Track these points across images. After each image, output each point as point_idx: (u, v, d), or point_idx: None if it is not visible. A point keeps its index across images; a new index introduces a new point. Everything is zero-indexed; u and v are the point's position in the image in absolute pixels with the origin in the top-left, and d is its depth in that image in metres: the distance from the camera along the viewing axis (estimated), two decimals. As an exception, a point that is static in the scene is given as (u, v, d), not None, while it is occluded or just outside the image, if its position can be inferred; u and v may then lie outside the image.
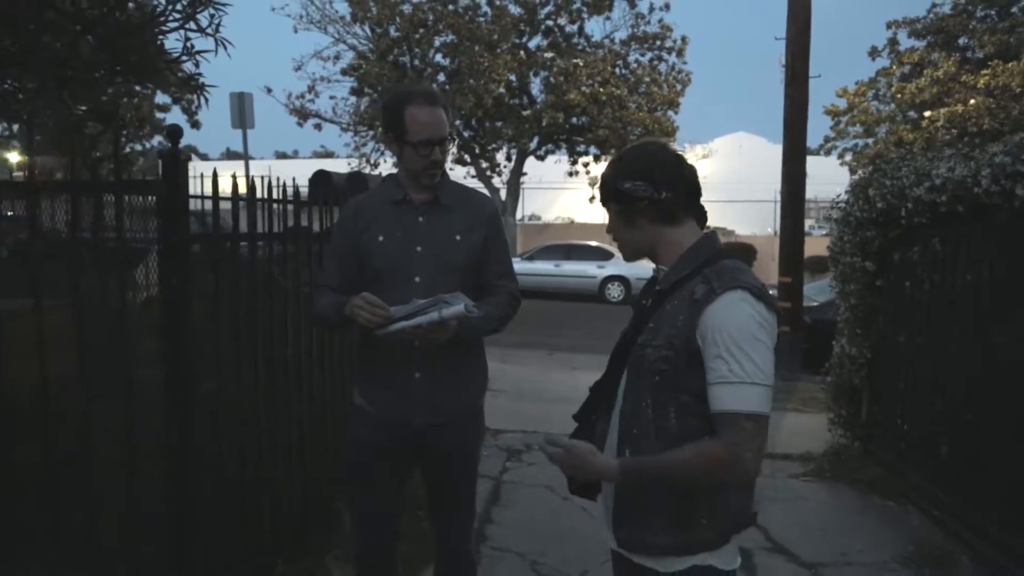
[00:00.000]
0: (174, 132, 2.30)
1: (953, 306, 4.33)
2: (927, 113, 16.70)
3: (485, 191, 21.91)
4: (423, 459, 2.45)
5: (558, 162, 24.00)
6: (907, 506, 4.63)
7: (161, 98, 19.10)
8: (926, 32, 18.05)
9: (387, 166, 18.16)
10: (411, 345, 2.21)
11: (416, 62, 20.15)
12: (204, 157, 53.48)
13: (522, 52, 20.62)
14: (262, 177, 2.97)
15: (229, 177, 2.72)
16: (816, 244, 13.60)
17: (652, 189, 1.66)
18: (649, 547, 1.69)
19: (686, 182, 1.70)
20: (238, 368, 2.69)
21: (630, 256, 1.82)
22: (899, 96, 17.88)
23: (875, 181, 5.11)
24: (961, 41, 17.82)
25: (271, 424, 2.96)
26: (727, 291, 1.57)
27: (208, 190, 2.52)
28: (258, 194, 2.82)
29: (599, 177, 1.81)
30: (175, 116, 21.19)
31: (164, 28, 5.90)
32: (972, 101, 15.82)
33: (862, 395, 5.50)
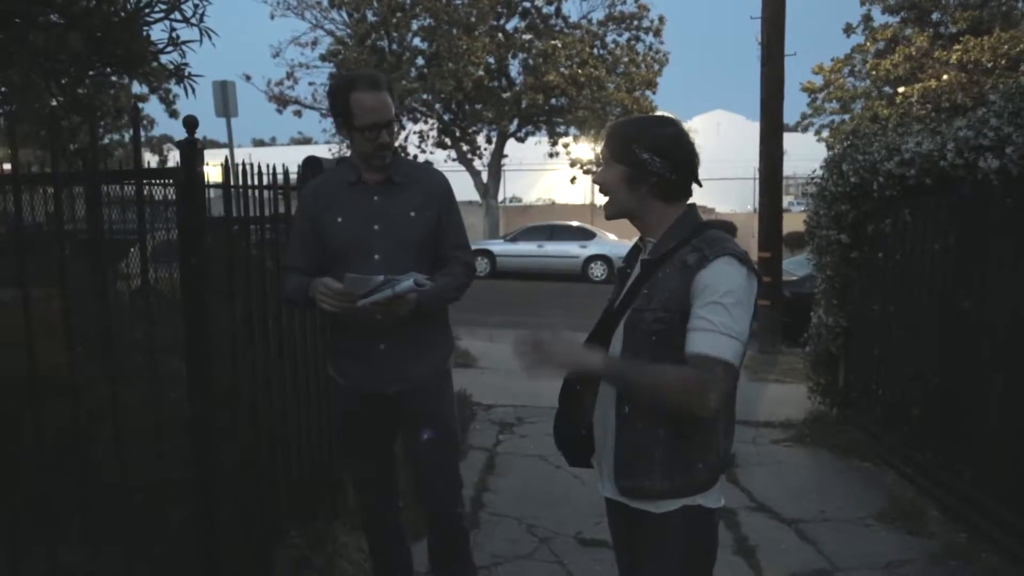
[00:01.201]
0: (190, 123, 2.43)
1: (922, 275, 4.55)
2: (901, 89, 16.93)
3: (466, 174, 22.01)
4: (400, 425, 2.60)
5: (538, 143, 24.12)
6: (882, 467, 4.88)
7: (138, 88, 18.93)
8: (899, 8, 18.24)
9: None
10: (375, 319, 2.34)
11: (394, 46, 20.15)
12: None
13: (500, 34, 20.66)
14: (252, 164, 3.09)
15: (217, 166, 2.83)
16: (795, 220, 13.85)
17: (667, 168, 1.78)
18: (649, 492, 1.83)
19: (694, 169, 1.84)
20: (251, 343, 2.85)
21: (612, 214, 1.92)
22: (874, 72, 18.09)
23: (848, 156, 5.31)
24: (934, 17, 18.03)
25: (281, 397, 3.12)
26: (718, 257, 1.73)
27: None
28: (261, 181, 2.98)
29: (612, 130, 1.87)
30: (153, 106, 21.05)
31: (149, 19, 5.96)
32: (945, 76, 16.06)
33: (839, 363, 5.73)
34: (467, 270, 2.60)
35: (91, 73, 6.25)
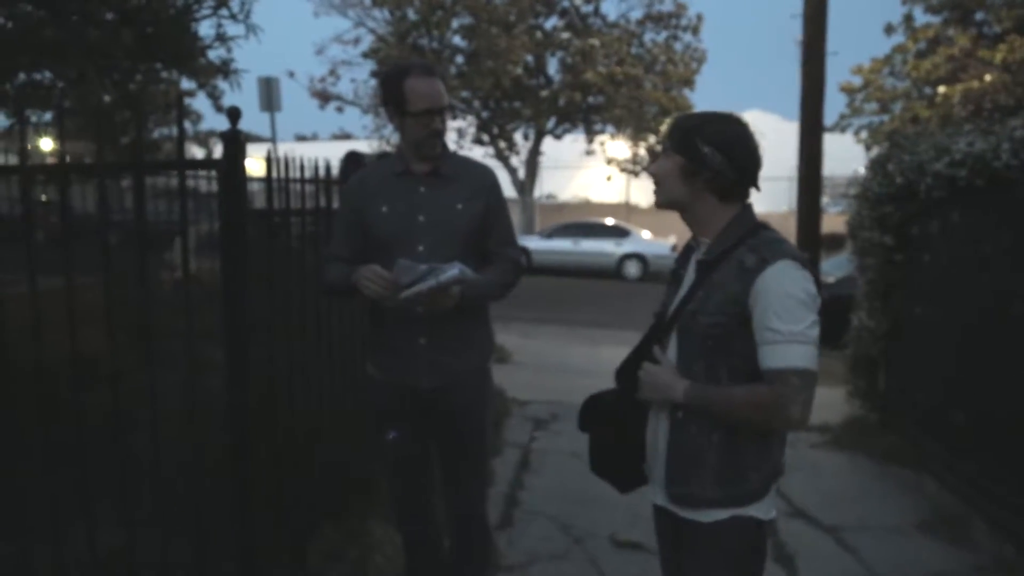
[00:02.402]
0: (233, 113, 2.45)
1: (970, 278, 4.42)
2: (941, 89, 16.53)
3: (503, 171, 22.01)
4: (433, 422, 2.55)
5: (575, 141, 24.02)
6: (923, 474, 4.76)
7: (186, 84, 19.21)
8: (941, 8, 17.80)
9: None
10: (416, 312, 2.32)
11: (434, 44, 20.21)
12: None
13: (539, 33, 20.63)
14: (295, 159, 3.11)
15: (260, 160, 2.86)
16: (831, 221, 13.61)
17: (727, 166, 1.74)
18: (700, 500, 1.80)
19: (755, 171, 1.80)
20: (289, 337, 2.86)
21: (663, 203, 1.87)
22: (914, 73, 17.69)
23: (894, 156, 5.19)
24: (977, 16, 17.57)
25: (318, 389, 3.13)
26: (777, 260, 1.69)
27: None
28: (303, 175, 3.00)
29: (675, 121, 1.85)
30: (201, 101, 21.42)
31: (197, 16, 6.05)
32: (988, 77, 15.65)
33: (879, 367, 5.62)
34: (515, 267, 2.56)
35: (142, 68, 6.38)
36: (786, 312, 1.65)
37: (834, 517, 4.15)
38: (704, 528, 1.80)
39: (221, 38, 6.06)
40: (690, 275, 1.88)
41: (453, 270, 2.16)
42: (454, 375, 2.48)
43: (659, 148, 1.92)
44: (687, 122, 1.82)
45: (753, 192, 1.86)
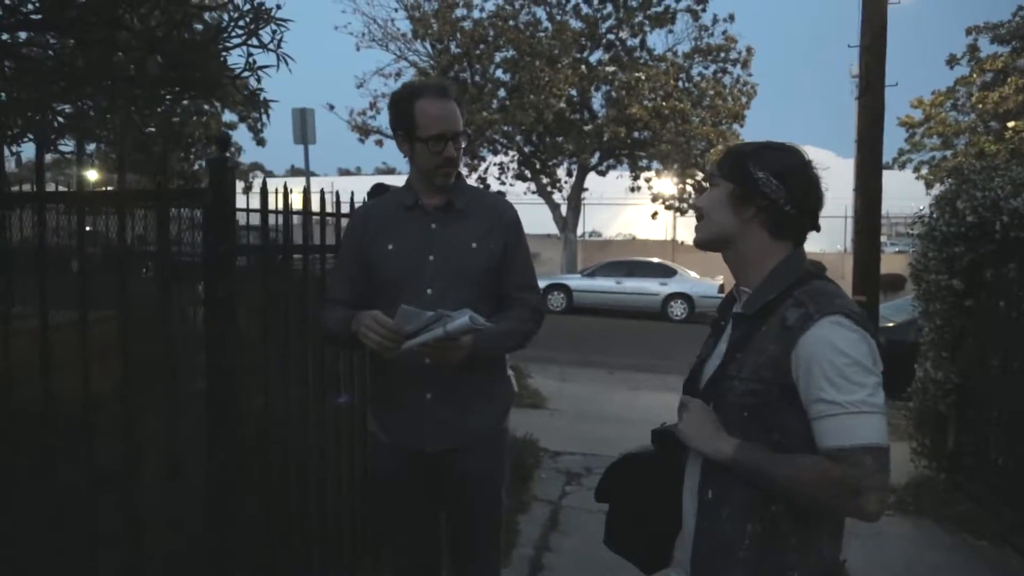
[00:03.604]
0: (222, 140, 2.21)
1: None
2: (1011, 124, 15.89)
3: (546, 207, 21.80)
4: (443, 489, 2.26)
5: (619, 177, 23.73)
6: (1003, 547, 4.25)
7: (228, 116, 19.62)
8: (1011, 37, 17.21)
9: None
10: (422, 364, 2.05)
11: (477, 78, 20.23)
12: (270, 174, 54.88)
13: (583, 66, 20.50)
14: (320, 191, 2.88)
15: (280, 192, 2.61)
16: (889, 261, 13.03)
17: (783, 195, 1.50)
18: None
19: (813, 209, 1.55)
20: (286, 386, 2.57)
21: (704, 241, 1.61)
22: (980, 106, 17.09)
23: (964, 192, 4.76)
24: (1049, 46, 16.98)
25: (320, 447, 2.82)
26: (824, 316, 1.40)
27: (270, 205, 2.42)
28: (309, 207, 2.72)
29: (727, 149, 1.62)
30: (241, 134, 21.81)
31: (227, 44, 5.96)
32: (1062, 110, 15.00)
33: (948, 423, 5.12)
34: (534, 315, 2.26)
35: (168, 97, 6.31)
36: (841, 378, 1.36)
37: (903, 596, 3.69)
38: None
39: (251, 67, 5.95)
40: (729, 329, 1.59)
41: (463, 318, 1.86)
42: (465, 436, 2.17)
43: (706, 183, 1.63)
44: (741, 148, 1.59)
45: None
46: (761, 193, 1.50)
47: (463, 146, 2.20)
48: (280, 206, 2.54)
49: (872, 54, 8.59)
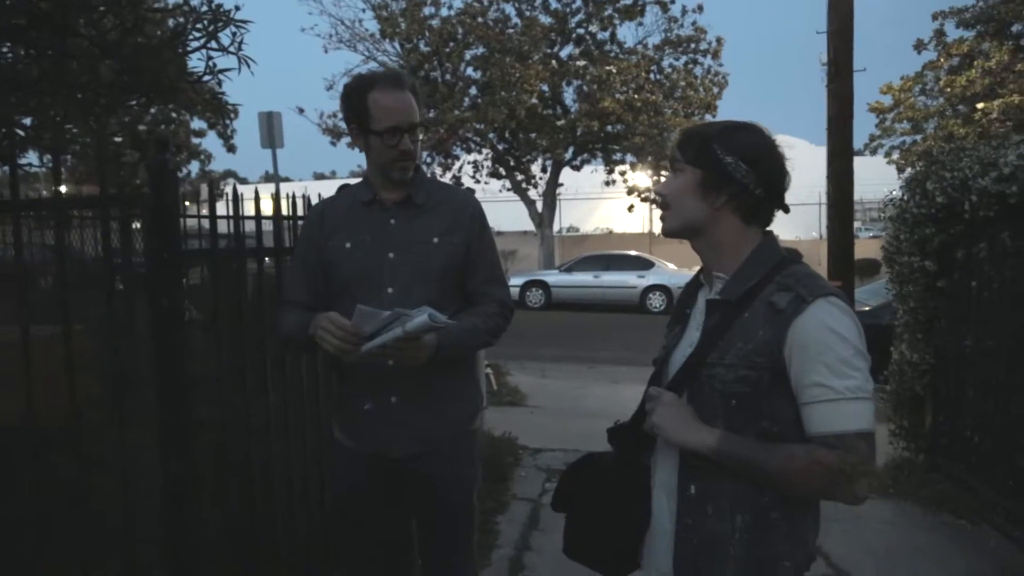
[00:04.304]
0: (161, 141, 2.11)
1: (1028, 305, 3.97)
2: (980, 105, 16.05)
3: (521, 204, 21.73)
4: (411, 496, 2.17)
5: (594, 171, 23.68)
6: (982, 525, 4.25)
7: (198, 124, 19.38)
8: (975, 21, 17.38)
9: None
10: (386, 365, 1.97)
11: (447, 76, 20.10)
12: (244, 180, 54.34)
13: (554, 61, 20.42)
14: (287, 195, 2.80)
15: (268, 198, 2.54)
16: (862, 246, 13.10)
17: (752, 179, 1.44)
18: None
19: (781, 191, 1.49)
20: (244, 396, 2.48)
21: (674, 229, 1.54)
22: (948, 89, 17.26)
23: (933, 174, 4.75)
24: (1014, 28, 17.11)
25: (284, 457, 2.73)
26: (817, 298, 1.37)
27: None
28: (258, 211, 2.64)
29: (687, 131, 1.55)
30: (211, 141, 21.53)
31: (186, 48, 5.83)
32: (1029, 90, 15.17)
33: (925, 404, 5.13)
34: (502, 310, 2.17)
35: (133, 105, 6.17)
36: (840, 363, 1.34)
37: (884, 579, 3.66)
38: None
39: (211, 71, 5.82)
40: (698, 316, 1.53)
41: (422, 316, 1.78)
42: (433, 439, 2.09)
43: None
44: (704, 130, 1.50)
45: (782, 218, 1.54)
46: (732, 179, 1.44)
47: (421, 138, 2.11)
48: (248, 210, 2.45)
49: (840, 39, 8.60)
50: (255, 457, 2.54)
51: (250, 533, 2.55)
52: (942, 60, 18.53)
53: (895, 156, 20.34)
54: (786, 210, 1.53)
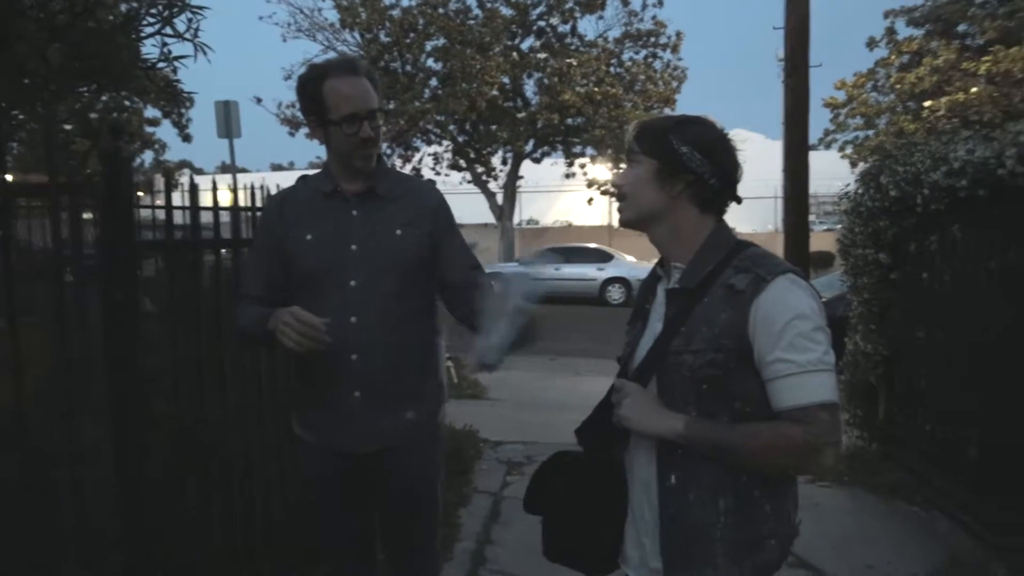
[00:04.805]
0: (116, 128, 2.04)
1: (976, 297, 4.07)
2: (927, 103, 16.45)
3: (482, 196, 21.67)
4: (375, 491, 2.15)
5: (554, 164, 23.75)
6: (933, 511, 4.36)
7: (152, 112, 18.91)
8: (924, 20, 17.82)
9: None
10: (347, 359, 1.93)
11: (408, 67, 19.93)
12: (199, 171, 53.29)
13: (515, 54, 20.40)
14: (246, 186, 2.73)
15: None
16: (817, 239, 13.36)
17: (707, 169, 1.48)
18: None
19: (734, 181, 1.53)
20: (201, 392, 2.42)
21: (631, 218, 1.56)
22: (899, 86, 17.65)
23: (887, 168, 4.85)
24: (960, 28, 17.57)
25: (245, 454, 2.68)
26: (777, 277, 1.40)
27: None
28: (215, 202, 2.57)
29: (642, 124, 1.57)
30: (166, 130, 21.03)
31: (140, 34, 5.66)
32: (974, 89, 15.57)
33: (879, 394, 5.24)
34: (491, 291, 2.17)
35: (84, 92, 5.99)
36: (799, 338, 1.38)
37: (840, 566, 3.74)
38: None
39: (166, 57, 5.67)
40: (659, 308, 1.55)
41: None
42: (397, 435, 2.06)
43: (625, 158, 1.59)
44: (659, 123, 1.53)
45: (739, 212, 1.57)
46: (687, 168, 1.46)
47: (381, 124, 2.07)
48: (205, 201, 2.39)
49: (796, 36, 8.71)
50: (215, 452, 2.48)
51: (208, 530, 2.50)
52: (893, 58, 18.94)
53: (848, 151, 20.74)
54: (739, 201, 1.56)
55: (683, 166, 1.46)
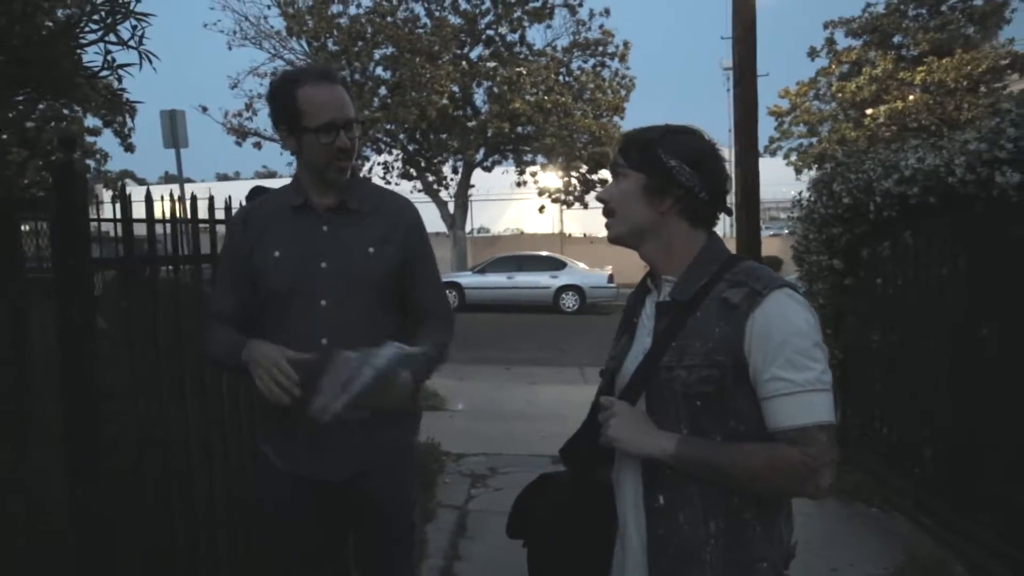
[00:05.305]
0: (67, 140, 1.94)
1: (928, 302, 4.17)
2: (868, 111, 16.99)
3: (433, 205, 21.55)
4: (348, 516, 2.07)
5: (505, 173, 23.79)
6: (891, 512, 4.44)
7: (92, 122, 18.31)
8: (862, 31, 18.44)
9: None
10: (319, 382, 1.81)
11: (356, 76, 19.72)
12: (142, 181, 51.95)
13: (464, 63, 20.37)
14: (192, 197, 2.62)
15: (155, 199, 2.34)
16: (765, 244, 13.60)
17: (696, 182, 1.43)
18: None
19: (723, 194, 1.49)
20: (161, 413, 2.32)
21: (620, 235, 1.51)
22: (840, 95, 18.21)
23: (839, 176, 4.95)
24: (896, 39, 18.21)
25: (205, 473, 2.58)
26: (773, 291, 1.36)
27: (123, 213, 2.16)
28: (173, 214, 2.47)
29: (629, 136, 1.52)
30: (107, 140, 20.39)
31: (82, 41, 5.46)
32: (911, 97, 16.13)
33: (836, 398, 5.31)
34: (450, 324, 2.11)
35: (20, 100, 5.75)
36: (797, 355, 1.34)
37: (804, 569, 3.71)
38: None
39: (109, 66, 5.48)
40: (648, 322, 1.49)
41: (389, 350, 1.65)
42: (372, 459, 1.98)
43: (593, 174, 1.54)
44: (646, 134, 1.48)
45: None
46: (676, 183, 1.42)
47: (358, 135, 1.98)
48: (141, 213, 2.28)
49: (744, 45, 8.84)
50: (172, 473, 2.38)
51: (169, 553, 2.39)
52: (833, 67, 19.53)
53: (793, 158, 21.27)
54: (729, 212, 1.53)
55: (672, 180, 1.42)
